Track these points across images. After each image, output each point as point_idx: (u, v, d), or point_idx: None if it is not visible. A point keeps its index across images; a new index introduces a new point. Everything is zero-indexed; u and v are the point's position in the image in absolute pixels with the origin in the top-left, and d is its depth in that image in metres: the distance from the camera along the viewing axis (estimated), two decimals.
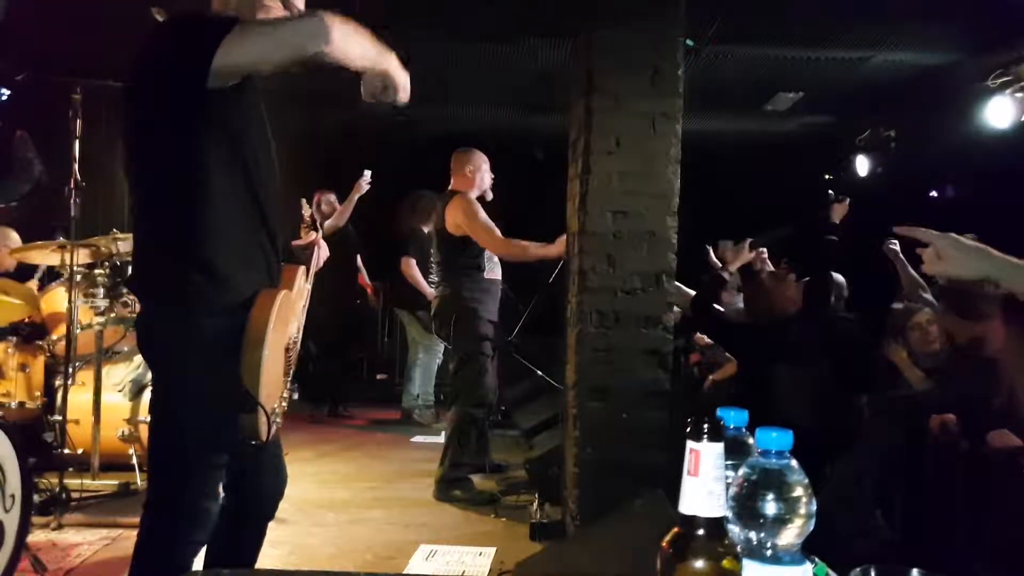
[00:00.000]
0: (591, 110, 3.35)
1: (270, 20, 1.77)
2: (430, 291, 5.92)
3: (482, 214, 4.24)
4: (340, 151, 7.37)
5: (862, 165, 6.89)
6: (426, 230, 6.08)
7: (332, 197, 6.34)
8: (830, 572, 1.00)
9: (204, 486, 1.83)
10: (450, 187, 4.45)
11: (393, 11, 4.56)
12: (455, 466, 4.33)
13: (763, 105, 6.30)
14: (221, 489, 1.97)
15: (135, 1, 4.04)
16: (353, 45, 1.74)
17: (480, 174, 4.42)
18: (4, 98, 4.19)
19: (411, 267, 6.01)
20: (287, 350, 1.91)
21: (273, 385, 1.80)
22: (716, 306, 4.00)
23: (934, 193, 7.00)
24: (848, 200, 3.76)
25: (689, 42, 3.83)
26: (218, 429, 1.77)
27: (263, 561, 3.25)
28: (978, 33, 4.70)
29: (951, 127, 5.76)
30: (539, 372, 5.28)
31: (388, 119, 7.10)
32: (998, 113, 5.18)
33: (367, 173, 6.03)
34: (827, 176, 5.35)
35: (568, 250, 3.79)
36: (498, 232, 4.22)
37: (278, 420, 1.89)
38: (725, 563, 0.81)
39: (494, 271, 4.47)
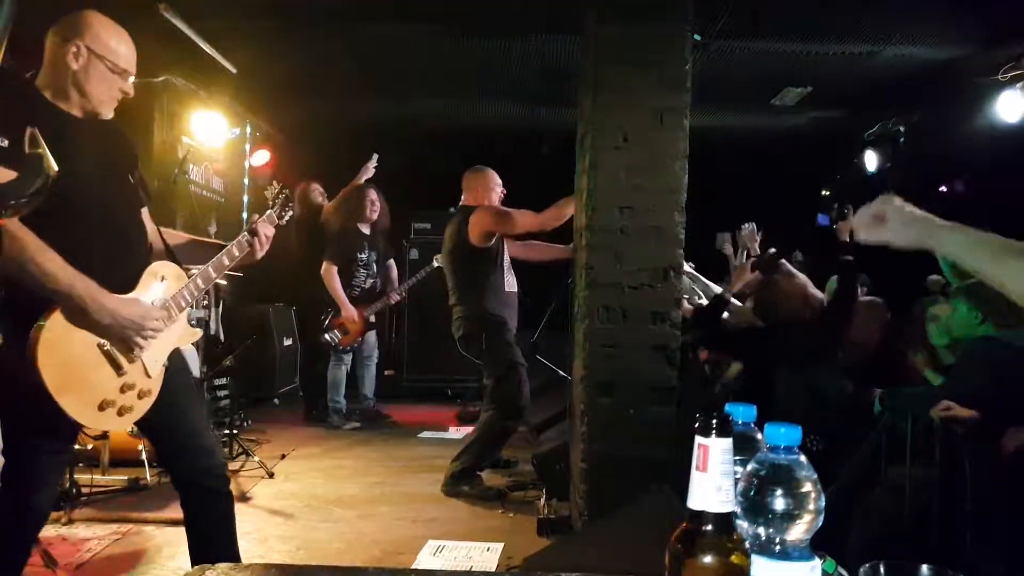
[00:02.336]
0: (598, 105, 3.34)
1: None
2: (348, 306, 5.68)
3: (510, 211, 4.30)
4: (342, 146, 7.38)
5: (871, 160, 6.86)
6: (364, 230, 5.89)
7: (319, 186, 6.34)
8: (839, 568, 1.00)
9: (25, 471, 2.06)
10: (461, 203, 4.51)
11: (400, 7, 4.57)
12: (470, 467, 4.34)
13: (771, 100, 6.27)
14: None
15: None
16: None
17: (492, 193, 4.46)
18: None
19: (332, 276, 5.68)
20: (102, 347, 2.03)
21: (81, 375, 1.98)
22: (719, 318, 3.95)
23: (943, 188, 6.96)
24: (851, 209, 3.67)
25: (696, 37, 3.81)
26: (29, 414, 2.01)
27: (271, 556, 3.28)
28: (988, 27, 4.67)
29: (960, 121, 5.73)
30: (561, 372, 5.26)
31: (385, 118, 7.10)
32: (1008, 107, 5.15)
33: (375, 156, 5.99)
34: (824, 192, 5.14)
35: (575, 246, 3.79)
36: (533, 214, 4.23)
37: (125, 409, 2.08)
38: (734, 558, 0.81)
39: (512, 284, 4.52)
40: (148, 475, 4.14)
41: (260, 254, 2.42)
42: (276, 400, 6.89)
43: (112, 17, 2.17)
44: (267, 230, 2.42)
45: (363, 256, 5.90)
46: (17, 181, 1.49)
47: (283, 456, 5.03)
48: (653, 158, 3.33)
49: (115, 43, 2.13)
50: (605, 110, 3.33)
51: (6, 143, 1.86)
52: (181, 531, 3.50)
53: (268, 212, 2.53)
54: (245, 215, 7.28)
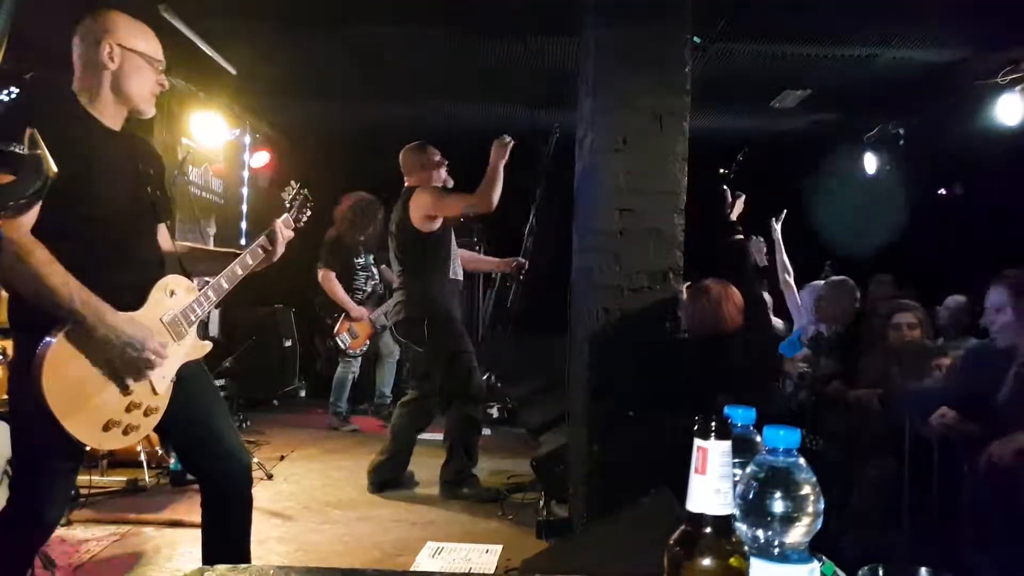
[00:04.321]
0: (598, 108, 3.35)
1: None
2: (355, 307, 5.72)
3: (448, 195, 4.21)
4: (341, 148, 7.38)
5: (870, 162, 6.87)
6: (359, 236, 5.86)
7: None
8: (837, 570, 1.00)
9: (37, 489, 2.04)
10: (406, 185, 4.40)
11: (400, 9, 4.57)
12: (463, 469, 4.33)
13: (771, 102, 6.28)
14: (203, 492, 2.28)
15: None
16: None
17: (436, 170, 4.35)
18: (14, 96, 4.22)
19: (331, 280, 5.69)
20: (112, 363, 1.98)
21: (86, 397, 1.94)
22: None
23: (942, 191, 6.97)
24: (744, 196, 3.61)
25: (696, 39, 3.81)
26: (38, 435, 1.98)
27: (270, 558, 3.27)
28: (987, 29, 4.67)
29: (960, 124, 5.74)
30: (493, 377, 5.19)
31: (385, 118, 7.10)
32: (1007, 110, 5.15)
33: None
34: (723, 170, 5.01)
35: (575, 248, 3.79)
36: (467, 195, 4.15)
37: (131, 428, 2.04)
38: (732, 561, 0.81)
39: (457, 272, 4.44)
40: (147, 476, 4.14)
41: (278, 254, 2.36)
42: (275, 401, 6.89)
43: None
44: (285, 232, 2.36)
45: (360, 260, 5.91)
46: (16, 182, 1.49)
47: (282, 458, 5.03)
48: (652, 160, 3.33)
49: (143, 36, 2.12)
50: (605, 112, 3.34)
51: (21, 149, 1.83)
52: (179, 532, 3.53)
53: (285, 216, 2.44)
54: (244, 218, 7.28)
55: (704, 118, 5.67)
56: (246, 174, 7.28)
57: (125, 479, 4.10)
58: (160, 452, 4.28)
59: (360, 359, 6.09)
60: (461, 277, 4.50)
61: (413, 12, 4.60)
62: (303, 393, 7.54)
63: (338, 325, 5.81)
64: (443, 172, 4.38)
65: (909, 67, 5.30)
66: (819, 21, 4.64)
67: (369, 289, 5.99)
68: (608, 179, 3.34)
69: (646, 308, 3.33)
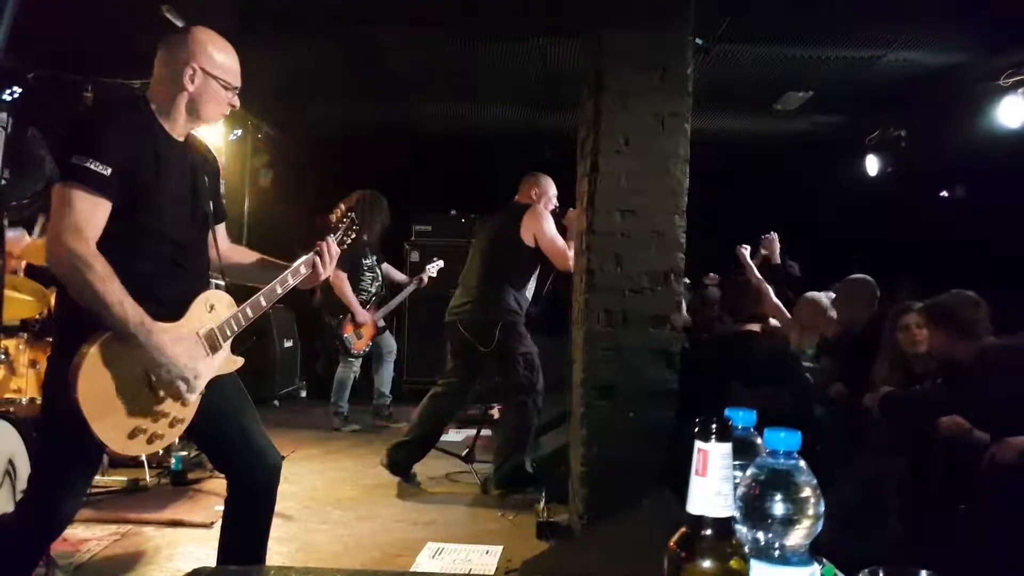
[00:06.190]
0: (600, 109, 3.35)
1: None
2: (362, 312, 5.75)
3: (558, 237, 4.39)
4: (343, 149, 7.39)
5: (872, 165, 6.87)
6: (364, 236, 5.75)
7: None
8: (838, 573, 1.00)
9: (54, 488, 2.06)
10: (517, 200, 4.58)
11: (401, 9, 4.58)
12: (517, 463, 4.38)
13: (773, 104, 6.28)
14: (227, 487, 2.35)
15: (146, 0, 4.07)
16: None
17: (546, 199, 4.52)
18: (16, 96, 4.22)
19: (343, 282, 5.68)
20: (150, 379, 1.99)
21: (118, 404, 1.95)
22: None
23: (944, 193, 6.96)
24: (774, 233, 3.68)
25: (699, 41, 3.81)
26: (66, 435, 2.00)
27: (270, 558, 3.27)
28: (990, 32, 4.67)
29: (962, 127, 5.73)
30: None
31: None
32: (1009, 113, 5.15)
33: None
34: None
35: (576, 249, 3.80)
36: (564, 250, 4.33)
37: (156, 437, 2.06)
38: (733, 563, 0.81)
39: (530, 292, 4.63)
40: (147, 476, 4.14)
41: (324, 275, 2.35)
42: (276, 402, 6.90)
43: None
44: (334, 250, 2.36)
45: (367, 262, 5.91)
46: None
47: (282, 458, 5.00)
48: (654, 162, 3.33)
49: (227, 59, 2.14)
50: (607, 114, 3.34)
51: (108, 171, 1.87)
52: (180, 532, 3.53)
53: (329, 237, 2.42)
54: (245, 218, 7.28)
55: (707, 120, 5.68)
56: (248, 174, 7.28)
57: (126, 479, 4.10)
58: (161, 452, 4.28)
59: (361, 359, 6.09)
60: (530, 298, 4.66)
61: (414, 13, 4.61)
62: (303, 393, 7.55)
63: (344, 325, 5.81)
64: (551, 206, 4.55)
65: (911, 69, 5.30)
66: (822, 23, 4.64)
67: (374, 291, 5.99)
68: (610, 180, 3.34)
69: (647, 309, 3.34)
